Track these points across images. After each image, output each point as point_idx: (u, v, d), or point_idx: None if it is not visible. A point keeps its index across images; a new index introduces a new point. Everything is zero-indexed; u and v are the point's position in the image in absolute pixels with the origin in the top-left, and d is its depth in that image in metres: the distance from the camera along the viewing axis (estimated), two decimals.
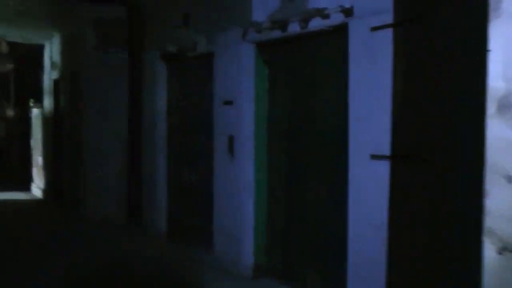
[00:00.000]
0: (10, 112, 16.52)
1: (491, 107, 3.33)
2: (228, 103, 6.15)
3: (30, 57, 13.68)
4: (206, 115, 6.77)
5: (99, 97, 8.81)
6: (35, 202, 12.00)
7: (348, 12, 4.70)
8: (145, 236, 7.96)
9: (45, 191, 12.04)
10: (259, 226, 5.98)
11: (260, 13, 5.70)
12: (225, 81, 6.30)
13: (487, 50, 3.36)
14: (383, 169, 4.35)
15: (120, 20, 8.62)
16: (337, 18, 4.82)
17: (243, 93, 5.99)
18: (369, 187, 4.50)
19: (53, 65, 11.26)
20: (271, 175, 5.89)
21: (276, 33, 5.52)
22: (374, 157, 4.43)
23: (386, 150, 4.35)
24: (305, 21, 5.13)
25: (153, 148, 7.94)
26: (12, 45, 11.74)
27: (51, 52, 11.40)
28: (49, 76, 11.49)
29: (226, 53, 6.26)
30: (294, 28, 5.28)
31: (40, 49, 12.27)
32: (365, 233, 4.53)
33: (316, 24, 5.05)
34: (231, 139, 6.13)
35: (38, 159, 12.84)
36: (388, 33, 4.31)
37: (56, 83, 11.11)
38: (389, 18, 4.30)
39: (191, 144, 7.27)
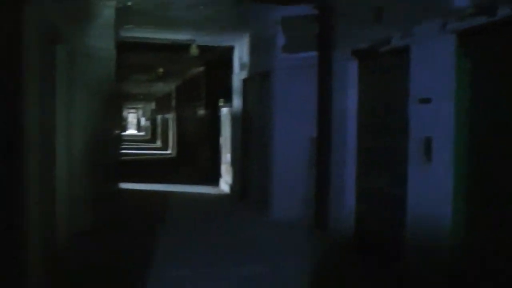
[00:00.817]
0: (201, 112, 17.45)
1: None
2: (425, 101, 5.67)
3: (220, 59, 14.25)
4: (399, 114, 6.36)
5: (287, 97, 8.82)
6: (222, 197, 12.51)
7: None
8: (330, 242, 7.71)
9: (232, 187, 12.46)
10: (457, 241, 5.36)
11: None
12: (421, 76, 5.82)
13: None
14: None
15: (309, 19, 8.53)
16: None
17: (442, 89, 5.46)
18: None
19: (242, 65, 11.58)
20: (473, 183, 5.21)
21: (481, 20, 4.92)
22: None
23: None
24: None
25: (342, 149, 7.71)
26: (202, 48, 12.30)
27: (240, 53, 11.73)
28: (238, 77, 11.84)
29: (423, 46, 5.77)
30: (504, 11, 4.64)
31: (229, 50, 12.71)
32: None
33: None
34: (428, 141, 5.65)
35: (226, 156, 13.36)
36: None
37: (244, 83, 11.42)
38: None
39: (382, 146, 6.89)
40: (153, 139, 40.06)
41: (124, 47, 13.46)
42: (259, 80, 10.13)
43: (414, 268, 5.85)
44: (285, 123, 8.89)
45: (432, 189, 5.57)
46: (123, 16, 9.36)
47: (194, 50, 10.93)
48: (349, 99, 7.55)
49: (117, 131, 8.75)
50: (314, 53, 8.49)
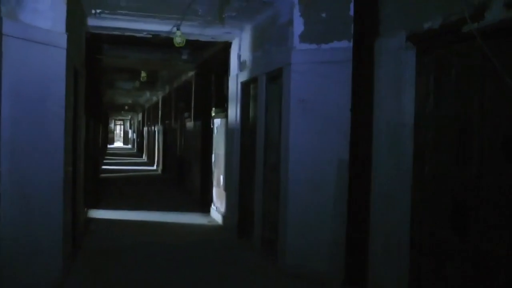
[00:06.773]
0: (189, 124, 15.12)
1: None
2: None
3: (214, 60, 11.97)
4: (494, 126, 4.01)
5: (307, 103, 6.49)
6: (215, 230, 10.06)
7: None
8: None
9: (226, 218, 10.07)
10: None
11: None
12: None
13: None
14: None
15: None
16: None
17: None
18: None
19: (241, 65, 9.24)
20: None
21: None
22: None
23: None
24: None
25: (390, 178, 5.34)
26: (192, 45, 10.04)
27: (240, 50, 9.39)
28: (235, 79, 9.47)
29: None
30: None
31: (224, 49, 10.40)
32: None
33: None
34: None
35: (220, 178, 10.94)
36: None
37: (244, 86, 9.04)
38: None
39: (458, 175, 4.47)
40: (139, 153, 37.66)
41: (99, 43, 11.25)
42: (266, 82, 7.76)
43: None
44: (303, 139, 6.55)
45: None
46: None
47: (178, 39, 8.56)
48: (402, 107, 5.17)
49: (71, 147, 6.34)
50: (347, 43, 6.19)
